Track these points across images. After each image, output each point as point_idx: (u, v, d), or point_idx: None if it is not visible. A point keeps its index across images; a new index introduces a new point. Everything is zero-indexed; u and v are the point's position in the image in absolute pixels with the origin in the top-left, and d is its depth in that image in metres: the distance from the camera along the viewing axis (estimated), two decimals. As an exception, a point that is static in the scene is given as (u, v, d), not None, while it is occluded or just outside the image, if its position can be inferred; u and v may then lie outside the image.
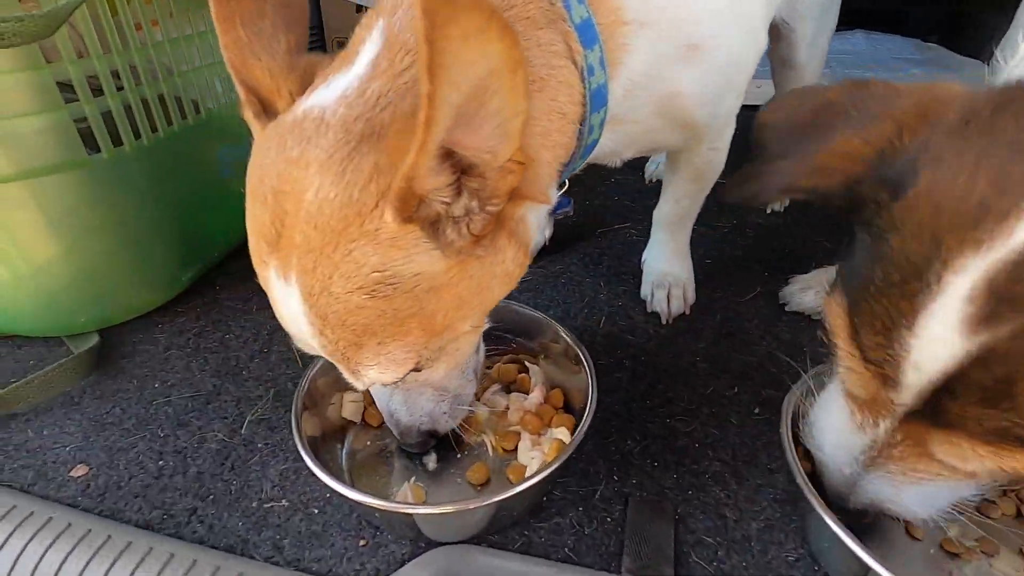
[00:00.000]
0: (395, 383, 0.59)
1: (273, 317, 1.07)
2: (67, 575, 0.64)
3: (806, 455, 0.62)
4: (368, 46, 0.53)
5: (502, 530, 0.69)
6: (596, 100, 0.63)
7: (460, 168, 0.48)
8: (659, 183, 1.59)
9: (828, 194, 0.48)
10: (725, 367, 0.93)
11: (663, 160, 1.61)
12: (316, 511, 0.72)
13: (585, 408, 0.71)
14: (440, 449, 0.79)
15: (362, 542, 0.69)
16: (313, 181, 0.47)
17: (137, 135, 0.96)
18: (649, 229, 1.12)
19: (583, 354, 0.78)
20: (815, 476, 0.60)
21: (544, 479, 0.64)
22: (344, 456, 0.79)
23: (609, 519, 0.70)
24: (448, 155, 0.47)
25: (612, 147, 0.76)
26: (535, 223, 0.60)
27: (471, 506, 0.64)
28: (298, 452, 0.80)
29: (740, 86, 0.80)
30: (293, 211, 0.48)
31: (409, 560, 0.66)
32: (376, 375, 0.55)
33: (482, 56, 0.39)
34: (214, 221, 1.19)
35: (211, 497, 0.75)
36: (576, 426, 0.75)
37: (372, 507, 0.63)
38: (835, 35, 1.30)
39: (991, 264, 0.38)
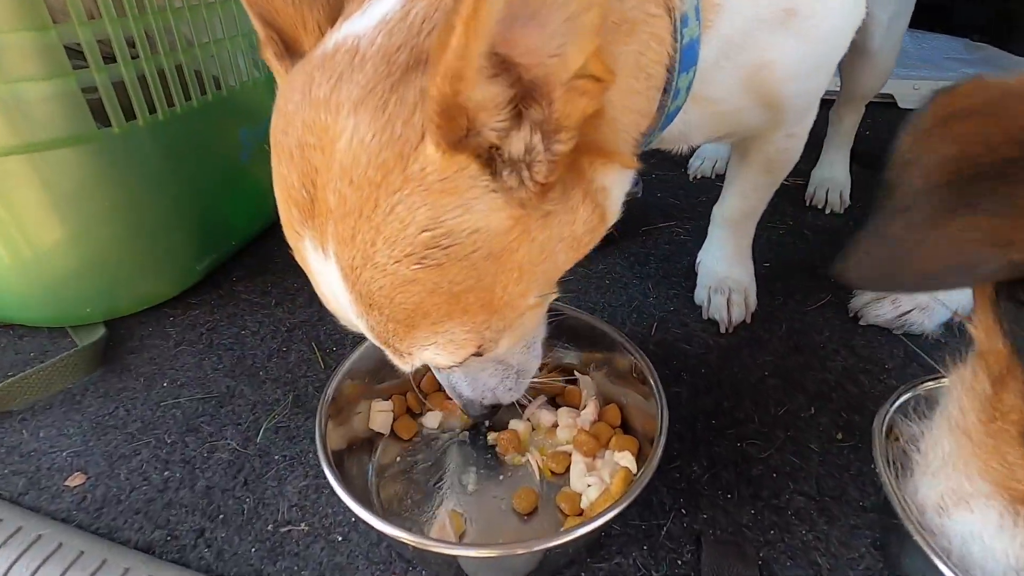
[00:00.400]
0: (453, 367, 0.50)
1: (293, 313, 1.00)
2: (54, 606, 0.56)
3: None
4: None
5: (556, 572, 0.59)
6: (687, 58, 0.53)
7: (519, 88, 0.38)
8: (704, 180, 1.50)
9: None
10: (798, 385, 0.83)
11: (708, 156, 1.51)
12: (340, 538, 0.63)
13: (644, 430, 0.60)
14: (481, 468, 0.69)
15: (393, 578, 0.59)
16: (346, 125, 0.38)
17: (152, 109, 0.88)
18: (697, 228, 1.02)
19: (648, 367, 0.68)
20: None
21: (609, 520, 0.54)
22: (372, 472, 0.70)
23: (680, 561, 0.60)
24: (502, 66, 0.36)
25: (683, 129, 0.67)
26: (618, 193, 0.50)
27: (519, 551, 0.53)
28: (320, 468, 0.71)
29: (833, 63, 0.71)
30: (324, 166, 0.39)
31: (447, 602, 0.57)
32: (431, 357, 0.47)
33: None
34: (232, 208, 1.11)
35: (221, 517, 0.66)
36: (640, 450, 0.65)
37: (406, 543, 0.53)
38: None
39: None
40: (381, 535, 0.61)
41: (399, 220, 0.39)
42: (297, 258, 0.47)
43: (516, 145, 0.40)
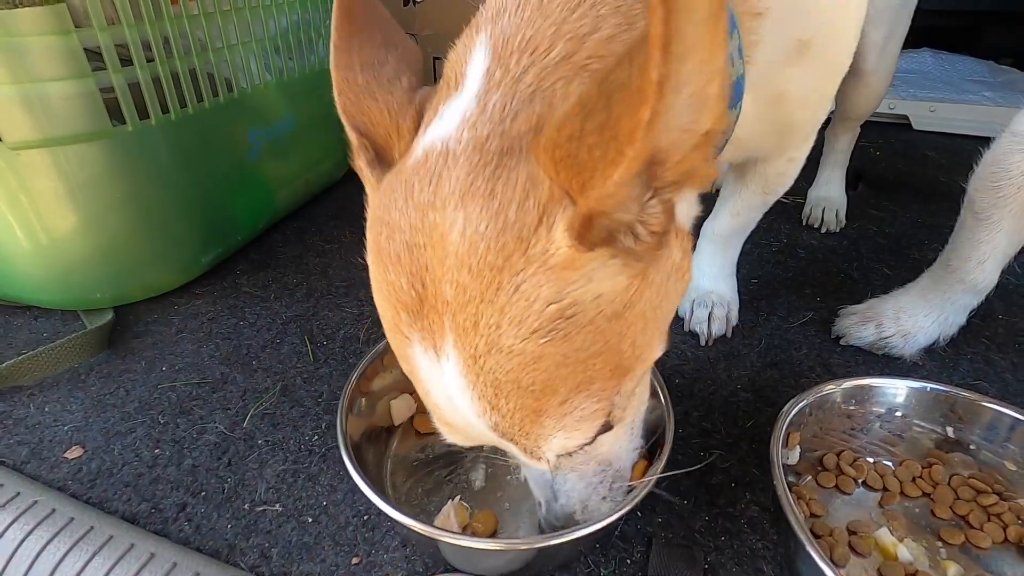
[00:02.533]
0: (582, 447, 0.47)
1: (290, 307, 1.05)
2: (42, 566, 0.60)
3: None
4: (475, 62, 0.45)
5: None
6: (736, 93, 0.55)
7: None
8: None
9: None
10: (770, 400, 0.84)
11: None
12: (310, 520, 0.67)
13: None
14: (490, 468, 0.73)
15: (355, 560, 0.63)
16: (456, 218, 0.39)
17: (165, 109, 0.93)
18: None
19: (658, 383, 0.70)
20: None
21: (607, 526, 0.55)
22: (388, 461, 0.73)
23: (629, 561, 0.63)
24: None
25: None
26: (687, 207, 0.49)
27: (522, 546, 0.56)
28: (299, 454, 0.75)
29: (836, 88, 0.73)
30: (437, 262, 0.40)
31: (404, 586, 0.60)
32: (561, 444, 0.45)
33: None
34: (239, 205, 1.16)
35: (203, 494, 0.70)
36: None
37: (406, 527, 0.55)
38: (902, 54, 1.20)
39: None
40: (384, 516, 0.59)
41: (524, 299, 0.39)
42: (404, 366, 0.47)
43: (630, 213, 0.39)
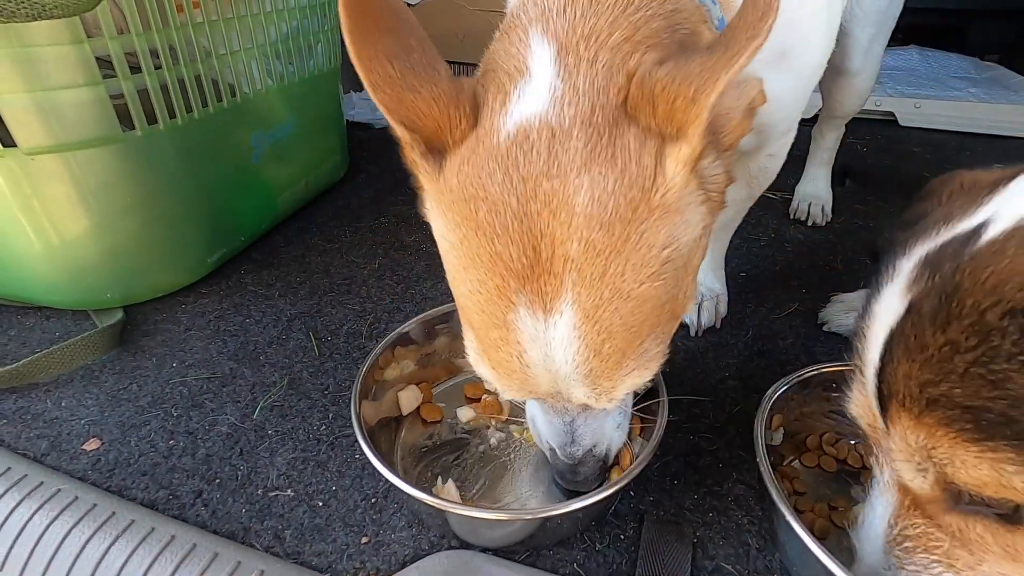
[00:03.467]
0: (646, 384, 0.53)
1: (294, 304, 1.09)
2: (69, 548, 0.64)
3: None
4: (536, 53, 0.49)
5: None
6: None
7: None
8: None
9: None
10: (756, 387, 0.88)
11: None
12: (321, 503, 0.71)
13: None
14: (494, 451, 0.77)
15: (364, 539, 0.66)
16: (580, 183, 0.44)
17: (172, 114, 0.97)
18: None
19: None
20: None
21: (606, 498, 0.60)
22: (399, 449, 0.77)
23: (623, 536, 0.67)
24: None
25: None
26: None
27: (527, 517, 0.61)
28: (308, 442, 0.79)
29: (810, 90, 0.78)
30: (559, 225, 0.44)
31: (411, 562, 0.64)
32: (633, 382, 0.51)
33: None
34: (243, 207, 1.20)
35: (217, 481, 0.74)
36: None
37: (412, 497, 0.60)
38: (888, 51, 1.24)
39: None
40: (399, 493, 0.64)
41: (646, 245, 0.45)
42: (494, 333, 0.49)
43: (706, 164, 0.48)
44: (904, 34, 2.61)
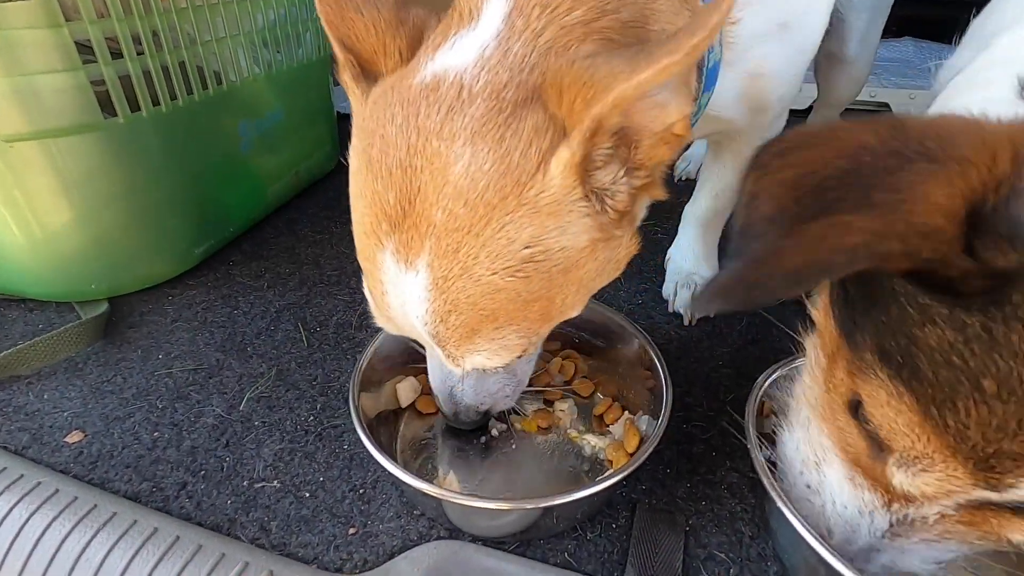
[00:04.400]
0: (495, 369, 0.56)
1: (283, 295, 1.07)
2: (49, 541, 0.62)
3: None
4: (493, 5, 0.48)
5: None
6: (710, 78, 0.59)
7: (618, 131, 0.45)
8: (688, 181, 1.55)
9: (915, 263, 0.35)
10: (749, 375, 0.86)
11: (695, 159, 1.55)
12: (307, 495, 0.69)
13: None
14: (490, 441, 0.76)
15: (352, 530, 0.65)
16: (462, 153, 0.44)
17: (155, 102, 0.95)
18: (675, 228, 1.07)
19: (658, 359, 0.74)
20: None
21: (609, 486, 0.59)
22: (398, 442, 0.75)
23: (614, 525, 0.66)
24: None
25: None
26: (642, 216, 0.57)
27: (528, 506, 0.59)
28: (295, 433, 0.78)
29: (805, 68, 0.77)
30: (433, 187, 0.44)
31: (399, 553, 0.62)
32: (482, 361, 0.52)
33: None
34: (231, 197, 1.18)
35: (202, 472, 0.72)
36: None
37: (409, 485, 0.59)
38: (883, 43, 1.23)
39: None
40: (395, 481, 0.64)
41: (506, 237, 0.45)
42: (365, 261, 0.52)
43: (606, 177, 0.46)
44: (898, 25, 2.61)
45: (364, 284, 0.56)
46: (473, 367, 0.53)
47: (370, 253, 0.50)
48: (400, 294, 0.49)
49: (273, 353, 0.92)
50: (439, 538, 0.64)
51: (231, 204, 1.18)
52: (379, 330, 0.79)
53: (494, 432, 0.76)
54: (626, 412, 0.77)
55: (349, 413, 0.67)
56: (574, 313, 0.54)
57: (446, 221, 0.44)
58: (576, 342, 0.86)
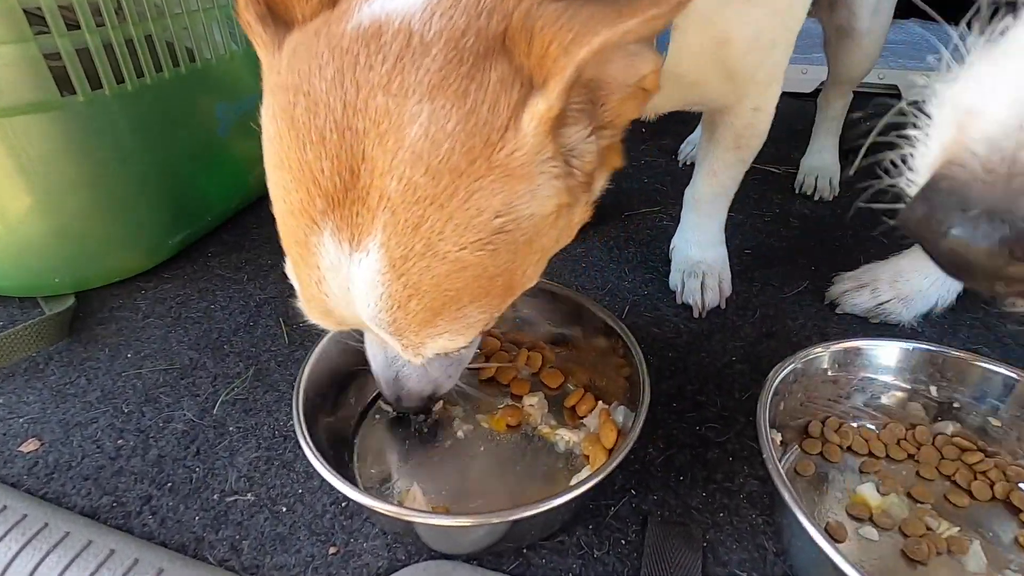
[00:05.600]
0: (458, 350, 0.50)
1: (264, 289, 1.00)
2: (-8, 566, 0.56)
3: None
4: None
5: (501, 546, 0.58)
6: (661, 41, 0.52)
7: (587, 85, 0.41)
8: (692, 166, 1.48)
9: None
10: (766, 371, 0.80)
11: (697, 142, 1.48)
12: (284, 509, 0.63)
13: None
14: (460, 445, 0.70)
15: (332, 550, 0.59)
16: (418, 112, 0.37)
17: (120, 79, 0.87)
18: (680, 215, 1.00)
19: (633, 348, 0.67)
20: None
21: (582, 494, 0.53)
22: (356, 449, 0.69)
23: (624, 541, 0.59)
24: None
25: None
26: (602, 183, 0.51)
27: (494, 520, 0.52)
28: (272, 440, 0.71)
29: (789, 39, 0.71)
30: (381, 153, 0.37)
31: (385, 575, 0.56)
32: (443, 345, 0.46)
33: None
34: (208, 184, 1.10)
35: (169, 485, 0.66)
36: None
37: (373, 510, 0.53)
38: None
39: None
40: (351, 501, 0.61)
41: (476, 207, 0.39)
42: (295, 249, 0.44)
43: (575, 135, 0.42)
44: (904, 7, 2.55)
45: (288, 272, 0.49)
46: (435, 353, 0.47)
47: (300, 236, 0.42)
48: (343, 281, 0.42)
49: (251, 351, 0.86)
50: (429, 558, 0.57)
51: (209, 192, 1.11)
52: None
53: (460, 434, 0.70)
54: (600, 403, 0.72)
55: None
56: (533, 284, 0.49)
57: (403, 192, 0.38)
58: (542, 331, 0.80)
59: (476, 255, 0.40)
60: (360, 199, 0.39)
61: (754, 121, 0.79)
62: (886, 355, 0.70)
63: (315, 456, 0.55)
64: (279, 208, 0.44)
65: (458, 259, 0.40)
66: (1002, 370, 0.65)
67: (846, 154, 1.40)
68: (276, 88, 0.41)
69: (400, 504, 0.59)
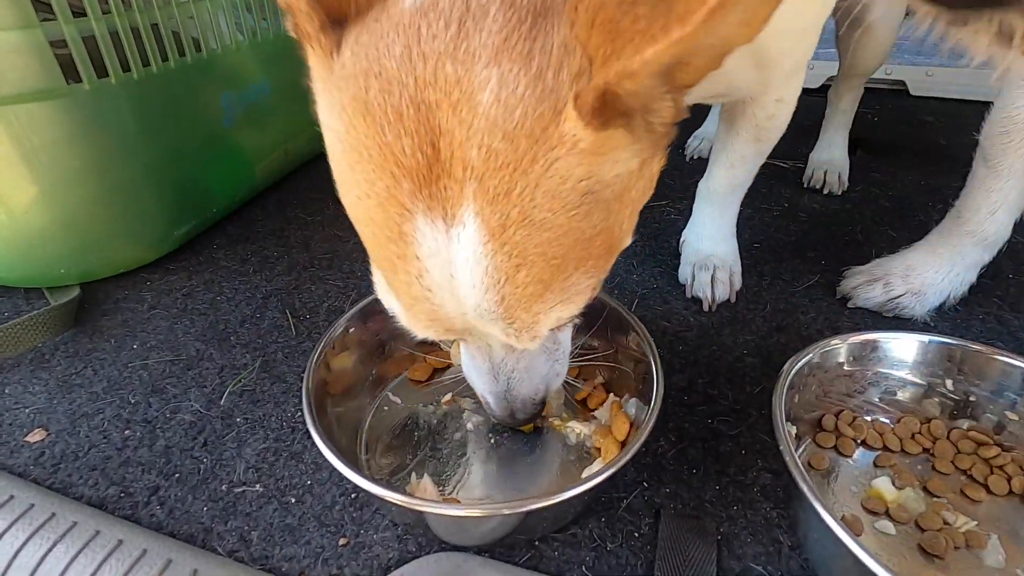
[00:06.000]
0: (571, 319, 0.47)
1: (270, 280, 0.99)
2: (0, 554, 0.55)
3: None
4: None
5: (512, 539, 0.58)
6: None
7: None
8: (700, 160, 1.47)
9: None
10: (777, 365, 0.79)
11: (707, 136, 1.47)
12: (293, 500, 0.62)
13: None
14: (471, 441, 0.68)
15: (343, 541, 0.58)
16: (488, 75, 0.36)
17: (126, 68, 0.86)
18: (689, 208, 0.99)
19: (647, 341, 0.66)
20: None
21: (596, 486, 0.52)
22: (363, 439, 0.68)
23: (637, 534, 0.59)
24: None
25: None
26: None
27: (505, 511, 0.52)
28: (280, 431, 0.71)
29: (818, 27, 0.69)
30: (459, 123, 0.36)
31: (395, 567, 0.55)
32: (557, 317, 0.44)
33: None
34: (214, 175, 1.10)
35: (176, 476, 0.65)
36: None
37: (382, 498, 0.52)
38: (893, 21, 1.15)
39: None
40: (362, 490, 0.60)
41: (559, 175, 0.38)
42: (388, 248, 0.41)
43: (652, 95, 0.39)
44: (911, 3, 2.53)
45: (381, 288, 0.47)
46: (549, 328, 0.45)
47: (393, 230, 0.40)
48: (445, 264, 0.40)
49: (258, 343, 0.85)
50: (440, 550, 0.57)
51: (214, 183, 1.10)
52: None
53: (469, 426, 0.70)
54: (611, 395, 0.71)
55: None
56: (630, 240, 0.48)
57: (486, 160, 0.36)
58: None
59: (571, 218, 0.39)
60: (445, 172, 0.37)
61: (776, 112, 0.78)
62: (903, 348, 0.69)
63: (327, 446, 0.54)
64: (363, 210, 0.41)
65: (556, 224, 0.39)
66: (1022, 364, 0.64)
67: (853, 147, 1.40)
68: (341, 82, 0.40)
69: (411, 495, 0.59)
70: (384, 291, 0.47)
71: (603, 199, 0.40)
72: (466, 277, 0.40)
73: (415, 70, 0.37)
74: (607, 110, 0.36)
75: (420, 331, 0.46)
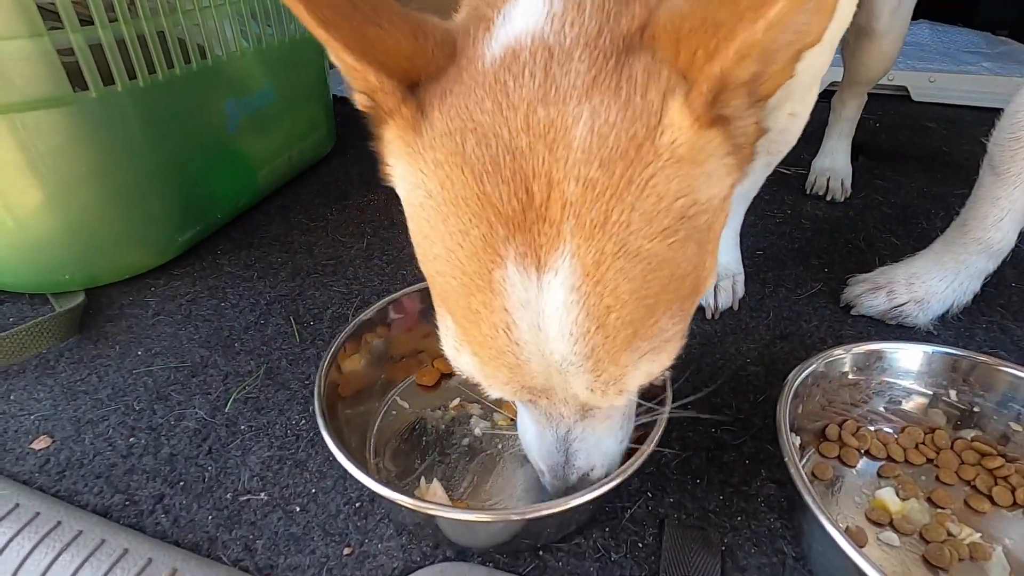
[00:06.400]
0: (663, 372, 0.44)
1: (274, 287, 1.00)
2: (6, 563, 0.55)
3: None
4: None
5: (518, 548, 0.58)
6: None
7: None
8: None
9: None
10: (781, 373, 0.80)
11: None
12: (298, 508, 0.62)
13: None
14: (478, 447, 0.68)
15: (347, 550, 0.58)
16: (580, 112, 0.37)
17: (132, 75, 0.87)
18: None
19: None
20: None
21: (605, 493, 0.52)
22: (371, 445, 0.69)
23: (641, 544, 0.59)
24: None
25: None
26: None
27: (513, 517, 0.52)
28: (285, 439, 0.71)
29: (836, 39, 0.71)
30: (555, 161, 0.36)
31: (400, 576, 0.56)
32: (646, 370, 0.41)
33: None
34: (218, 181, 1.10)
35: (181, 484, 0.65)
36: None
37: (390, 500, 0.52)
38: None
39: None
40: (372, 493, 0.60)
41: (656, 193, 0.37)
42: (474, 299, 0.40)
43: (737, 112, 0.39)
44: (914, 9, 2.54)
45: (451, 344, 0.45)
46: (639, 384, 0.42)
47: (483, 278, 0.39)
48: (534, 315, 0.39)
49: (262, 349, 0.85)
50: (445, 559, 0.57)
51: (218, 189, 1.10)
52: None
53: (477, 431, 0.70)
54: None
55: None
56: (713, 281, 0.46)
57: (583, 193, 0.36)
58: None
59: (667, 246, 0.38)
60: (540, 216, 0.37)
61: (789, 126, 0.78)
62: (908, 358, 0.69)
63: (339, 450, 0.54)
64: (449, 268, 0.40)
65: (651, 254, 0.38)
66: (1020, 373, 0.64)
67: (855, 154, 1.40)
68: (434, 142, 0.40)
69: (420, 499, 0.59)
70: (455, 347, 0.45)
71: (697, 227, 0.39)
72: (555, 327, 0.39)
73: (507, 122, 0.37)
74: (717, 104, 0.37)
75: (497, 388, 0.44)
